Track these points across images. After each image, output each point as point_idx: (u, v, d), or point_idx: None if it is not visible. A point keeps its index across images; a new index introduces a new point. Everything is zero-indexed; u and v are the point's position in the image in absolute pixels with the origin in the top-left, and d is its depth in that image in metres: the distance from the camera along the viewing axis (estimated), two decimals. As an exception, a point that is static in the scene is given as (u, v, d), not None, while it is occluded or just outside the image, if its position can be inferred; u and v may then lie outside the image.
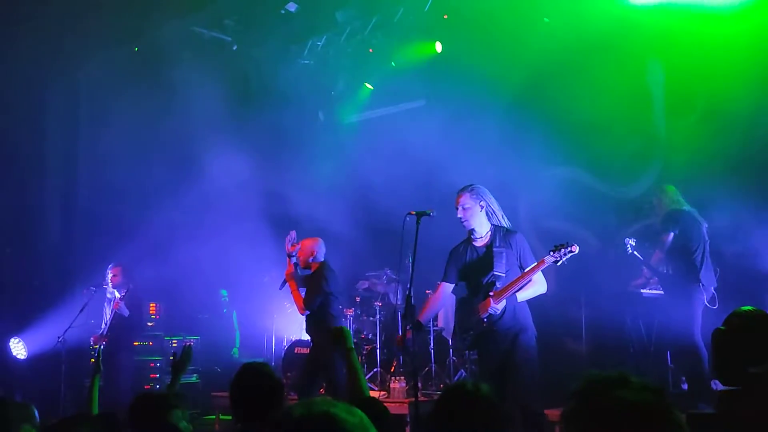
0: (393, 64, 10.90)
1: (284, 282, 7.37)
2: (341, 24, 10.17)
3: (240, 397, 3.44)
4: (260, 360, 3.75)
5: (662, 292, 7.22)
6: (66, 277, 10.14)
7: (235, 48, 10.65)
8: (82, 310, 8.45)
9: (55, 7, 8.68)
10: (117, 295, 8.43)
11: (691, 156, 8.06)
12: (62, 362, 8.76)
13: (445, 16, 9.73)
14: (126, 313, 8.38)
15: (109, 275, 8.60)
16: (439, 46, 10.31)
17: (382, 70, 11.00)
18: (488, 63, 9.35)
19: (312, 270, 7.36)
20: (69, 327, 8.34)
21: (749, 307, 3.42)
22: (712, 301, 6.72)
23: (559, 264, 5.21)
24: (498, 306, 5.33)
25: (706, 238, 6.94)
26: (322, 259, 7.42)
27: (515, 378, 5.25)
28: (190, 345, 4.76)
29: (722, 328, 3.36)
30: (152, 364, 9.82)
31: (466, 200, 5.63)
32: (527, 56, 9.49)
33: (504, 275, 5.40)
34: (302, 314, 7.17)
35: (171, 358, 4.83)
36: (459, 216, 5.65)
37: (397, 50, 10.53)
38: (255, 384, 3.43)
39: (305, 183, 10.82)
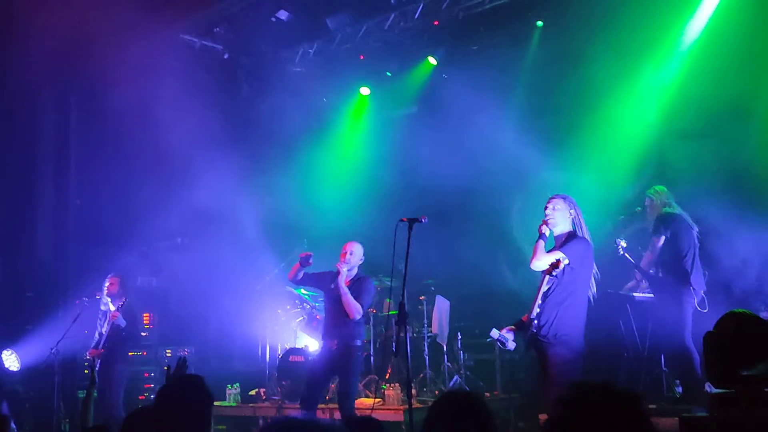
0: (388, 74, 10.93)
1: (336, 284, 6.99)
2: (332, 31, 10.18)
3: (165, 409, 3.34)
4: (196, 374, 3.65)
5: (653, 296, 7.24)
6: (59, 288, 10.09)
7: (226, 56, 10.65)
8: (74, 321, 8.38)
9: (47, 13, 8.67)
10: (111, 307, 8.33)
11: (684, 160, 8.12)
12: (55, 374, 8.70)
13: (436, 23, 9.75)
14: (123, 323, 8.26)
15: (106, 284, 8.49)
16: (433, 60, 10.37)
17: (375, 76, 11.04)
18: (481, 68, 9.41)
19: (354, 275, 7.10)
20: (62, 338, 8.27)
21: (741, 310, 3.43)
22: (702, 304, 6.72)
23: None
24: (533, 315, 5.44)
25: (697, 242, 6.97)
26: None
27: (547, 388, 5.43)
28: (184, 357, 4.72)
29: (714, 331, 3.37)
30: (146, 374, 9.79)
31: (559, 202, 5.71)
32: (523, 59, 9.58)
33: (552, 282, 5.47)
34: (354, 319, 6.83)
35: (165, 369, 4.79)
36: (546, 214, 5.71)
37: (389, 57, 10.56)
38: (182, 396, 3.36)
39: (298, 191, 10.82)
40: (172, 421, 3.26)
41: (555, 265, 5.30)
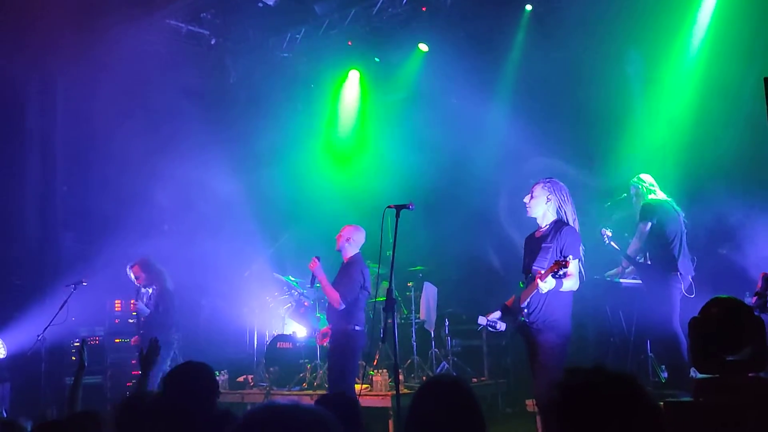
0: (377, 59, 10.88)
1: (313, 278, 7.06)
2: (319, 16, 10.13)
3: (173, 396, 3.38)
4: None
5: (640, 282, 7.28)
6: (46, 275, 10.03)
7: (213, 42, 10.58)
8: (61, 308, 8.34)
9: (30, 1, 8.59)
10: (150, 291, 8.24)
11: (673, 145, 8.16)
12: (42, 361, 8.67)
13: (424, 8, 9.72)
14: (146, 312, 8.13)
15: (132, 277, 8.33)
16: (424, 47, 10.33)
17: (363, 62, 11.00)
18: (470, 54, 9.39)
19: (345, 260, 7.12)
20: (49, 325, 8.23)
21: (726, 296, 3.45)
22: (689, 289, 6.77)
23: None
24: (523, 304, 5.42)
25: (683, 228, 7.00)
26: (358, 250, 7.16)
27: (536, 374, 5.42)
28: (155, 338, 4.69)
29: (699, 316, 3.38)
30: (134, 361, 9.75)
31: (537, 189, 5.68)
32: (512, 44, 9.56)
33: (543, 270, 5.39)
34: (338, 308, 6.84)
35: (139, 353, 4.76)
36: (524, 201, 5.71)
37: (378, 43, 10.51)
38: (191, 384, 3.39)
39: (285, 177, 10.78)
40: (179, 408, 3.28)
41: (563, 265, 5.19)
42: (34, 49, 9.74)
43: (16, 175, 10.46)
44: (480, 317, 5.68)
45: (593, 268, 5.93)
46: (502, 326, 5.62)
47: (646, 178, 7.19)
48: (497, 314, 5.66)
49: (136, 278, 8.33)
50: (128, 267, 8.41)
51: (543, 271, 5.25)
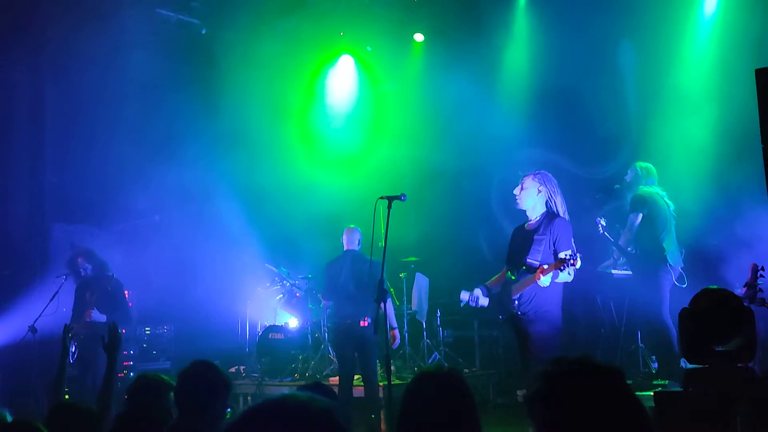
0: (368, 48, 10.85)
1: None
2: (311, 5, 10.08)
3: (186, 390, 3.55)
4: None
5: (631, 273, 7.30)
6: (35, 266, 9.99)
7: (203, 31, 10.52)
8: (52, 299, 8.30)
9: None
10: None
11: (662, 136, 8.18)
12: (33, 352, 8.64)
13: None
14: (102, 318, 7.99)
15: (78, 267, 8.26)
16: (419, 37, 10.31)
17: (355, 52, 10.97)
18: (463, 43, 9.38)
19: None
20: (39, 316, 8.19)
21: (716, 287, 3.47)
22: (680, 279, 6.80)
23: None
24: (515, 296, 5.46)
25: (673, 219, 7.02)
26: (351, 247, 7.58)
27: (528, 364, 5.46)
28: (114, 322, 4.65)
29: (689, 307, 3.40)
30: (125, 352, 9.73)
31: (527, 181, 5.70)
32: (506, 34, 9.55)
33: (538, 263, 5.40)
34: (325, 304, 7.60)
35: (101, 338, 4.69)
36: (515, 193, 5.73)
37: (370, 32, 10.48)
38: (203, 379, 3.57)
39: (278, 167, 10.76)
40: (192, 400, 3.48)
41: (570, 263, 5.14)
42: (22, 41, 9.67)
43: (5, 167, 10.39)
44: (462, 292, 5.72)
45: (583, 258, 5.94)
46: (484, 302, 5.66)
47: (647, 167, 7.16)
48: (478, 291, 5.71)
49: (82, 269, 8.22)
50: (74, 258, 8.27)
51: (546, 267, 5.27)
